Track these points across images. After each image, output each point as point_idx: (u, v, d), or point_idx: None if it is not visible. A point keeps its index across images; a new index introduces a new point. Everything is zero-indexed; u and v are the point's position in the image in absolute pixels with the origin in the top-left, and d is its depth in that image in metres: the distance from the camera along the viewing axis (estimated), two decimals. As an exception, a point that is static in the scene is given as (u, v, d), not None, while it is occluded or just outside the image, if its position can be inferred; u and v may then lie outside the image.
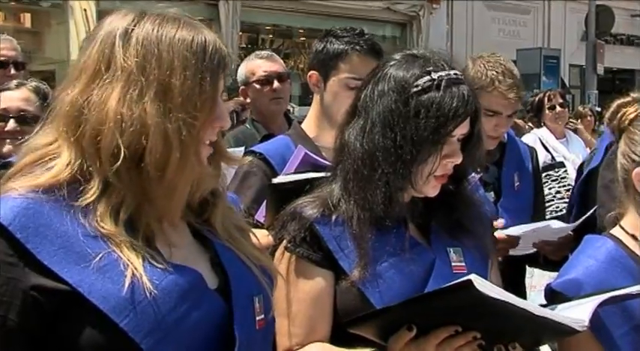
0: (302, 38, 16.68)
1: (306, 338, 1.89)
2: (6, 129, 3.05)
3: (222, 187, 1.63)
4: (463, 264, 1.96)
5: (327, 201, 1.93)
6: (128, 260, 1.37)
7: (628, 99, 2.10)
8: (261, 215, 2.44)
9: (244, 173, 2.66)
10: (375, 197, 1.89)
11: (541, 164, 4.08)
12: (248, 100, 4.50)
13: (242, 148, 2.97)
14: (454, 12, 18.97)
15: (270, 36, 17.01)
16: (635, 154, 1.98)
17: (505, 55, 3.24)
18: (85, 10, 12.51)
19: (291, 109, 7.02)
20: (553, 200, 5.46)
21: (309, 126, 2.81)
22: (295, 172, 2.38)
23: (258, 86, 4.31)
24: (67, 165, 1.42)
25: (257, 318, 1.53)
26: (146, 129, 1.39)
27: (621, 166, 2.02)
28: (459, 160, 1.93)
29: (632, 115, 2.04)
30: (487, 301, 1.57)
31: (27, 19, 13.73)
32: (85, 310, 1.33)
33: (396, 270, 1.89)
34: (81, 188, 1.41)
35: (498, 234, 2.85)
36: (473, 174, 2.15)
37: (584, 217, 2.81)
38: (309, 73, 2.79)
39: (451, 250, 1.97)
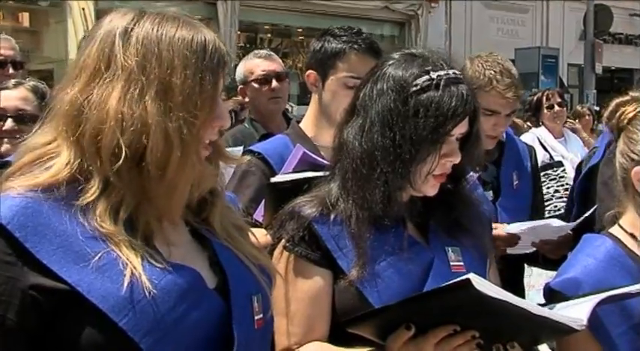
0: (300, 37, 16.68)
1: (305, 337, 1.89)
2: (4, 128, 3.05)
3: (221, 187, 1.63)
4: (461, 263, 1.96)
5: (326, 200, 1.93)
6: (127, 259, 1.36)
7: (626, 98, 2.10)
8: (259, 214, 2.44)
9: (243, 172, 2.66)
10: (374, 196, 1.89)
11: (539, 163, 4.08)
12: (246, 100, 4.50)
13: (240, 148, 2.97)
14: (452, 11, 18.95)
15: (269, 35, 17.00)
16: (634, 153, 1.98)
17: (503, 54, 3.24)
18: (83, 9, 12.50)
19: (290, 109, 7.02)
20: (551, 199, 5.46)
21: (307, 125, 2.81)
22: (294, 172, 2.37)
23: (256, 85, 4.31)
24: (67, 164, 1.42)
25: (255, 317, 1.53)
26: (147, 128, 1.39)
27: (620, 166, 2.02)
28: (457, 159, 1.93)
29: (630, 114, 2.04)
30: (485, 300, 1.57)
31: (25, 18, 13.72)
32: (84, 309, 1.33)
33: (395, 269, 1.89)
34: (80, 187, 1.41)
35: (498, 231, 2.86)
36: (471, 173, 2.15)
37: (583, 217, 2.81)
38: (307, 73, 2.79)
39: (449, 249, 1.98)
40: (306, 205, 1.93)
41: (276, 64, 4.41)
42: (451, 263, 1.95)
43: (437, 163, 1.90)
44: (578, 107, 10.13)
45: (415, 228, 2.00)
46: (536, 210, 3.28)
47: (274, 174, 2.51)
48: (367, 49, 2.70)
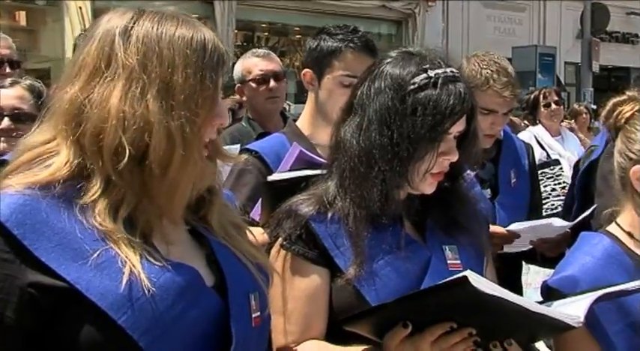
0: (298, 36, 16.68)
1: (302, 336, 1.89)
2: (0, 127, 3.04)
3: (219, 185, 1.64)
4: (459, 261, 1.96)
5: (323, 198, 1.94)
6: (126, 257, 1.36)
7: (624, 97, 2.10)
8: (256, 213, 2.44)
9: (239, 171, 2.66)
10: (372, 195, 1.89)
11: (536, 162, 4.08)
12: (244, 99, 4.49)
13: (238, 146, 2.96)
14: (450, 10, 18.96)
15: (266, 34, 17.00)
16: (632, 153, 1.98)
17: (501, 52, 3.25)
18: (80, 8, 12.50)
19: (287, 107, 7.02)
20: (548, 198, 5.45)
21: (303, 124, 2.81)
22: (290, 170, 2.37)
23: (254, 85, 4.30)
24: (66, 163, 1.42)
25: (253, 315, 1.53)
26: (149, 126, 1.39)
27: (618, 165, 2.02)
28: (455, 157, 1.93)
29: (628, 114, 2.04)
30: (482, 297, 1.58)
31: (22, 17, 13.70)
32: (82, 307, 1.33)
33: (392, 268, 1.89)
34: (79, 186, 1.41)
35: (498, 229, 2.86)
36: (468, 171, 2.15)
37: (583, 216, 2.82)
38: (304, 71, 2.78)
39: (446, 247, 1.98)
40: (303, 204, 1.93)
41: (274, 64, 4.40)
42: (448, 261, 1.95)
43: (435, 162, 1.90)
44: (575, 105, 10.14)
45: (412, 226, 2.00)
46: (534, 208, 3.28)
47: (271, 172, 2.51)
48: (363, 48, 2.70)
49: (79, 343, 1.34)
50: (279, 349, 1.88)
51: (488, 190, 3.13)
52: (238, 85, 4.41)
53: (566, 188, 4.24)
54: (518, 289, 3.24)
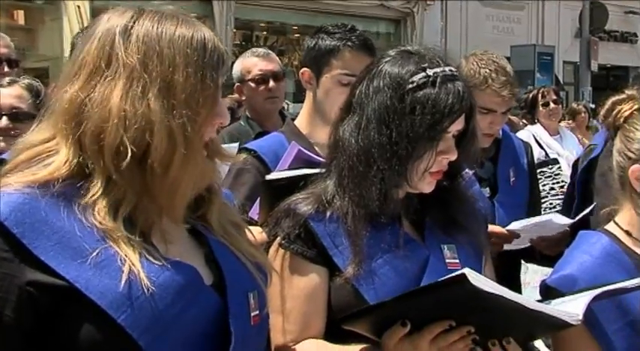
0: (296, 35, 16.69)
1: (301, 335, 1.89)
2: None
3: (218, 184, 1.64)
4: (457, 260, 1.96)
5: (322, 197, 1.93)
6: (125, 256, 1.36)
7: (623, 96, 2.10)
8: (254, 212, 2.44)
9: (238, 170, 2.66)
10: (370, 194, 1.88)
11: (535, 161, 4.08)
12: (243, 98, 4.49)
13: (236, 144, 2.96)
14: (448, 9, 18.98)
15: (265, 33, 17.01)
16: (631, 152, 1.98)
17: (499, 51, 3.25)
18: (78, 7, 12.51)
19: (286, 107, 7.02)
20: (547, 197, 5.46)
21: (302, 122, 2.81)
22: (289, 169, 2.37)
23: (253, 85, 4.30)
24: (66, 162, 1.42)
25: (252, 314, 1.53)
26: (151, 126, 1.39)
27: (617, 164, 2.02)
28: (454, 156, 1.93)
29: (627, 113, 2.04)
30: (481, 295, 1.58)
31: (20, 16, 13.71)
32: (82, 305, 1.33)
33: (391, 267, 1.89)
34: (79, 185, 1.41)
35: (498, 229, 2.86)
36: (467, 170, 2.15)
37: (583, 214, 2.82)
38: (302, 71, 2.78)
39: (445, 246, 1.98)
40: (302, 203, 1.93)
41: (274, 64, 4.39)
42: (447, 260, 1.95)
43: (433, 160, 1.90)
44: (574, 105, 10.14)
45: (411, 225, 2.00)
46: (533, 206, 3.28)
47: (269, 171, 2.51)
48: (361, 46, 2.70)
49: (78, 342, 1.34)
50: (277, 348, 1.89)
51: (488, 189, 3.13)
52: (237, 84, 4.41)
53: (565, 187, 4.24)
54: (517, 288, 3.23)
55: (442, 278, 1.64)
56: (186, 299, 1.40)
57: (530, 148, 3.44)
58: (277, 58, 4.54)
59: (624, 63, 22.54)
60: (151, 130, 1.39)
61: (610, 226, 2.04)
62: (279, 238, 1.92)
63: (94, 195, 1.40)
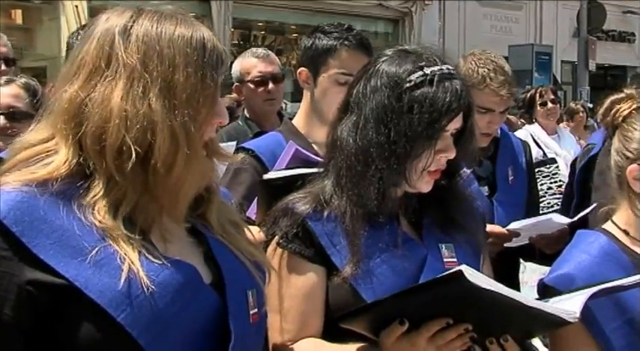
0: (294, 34, 16.67)
1: (299, 334, 1.89)
2: None
3: (216, 183, 1.64)
4: (455, 259, 1.96)
5: (320, 197, 1.93)
6: (125, 254, 1.36)
7: (621, 95, 2.10)
8: (252, 212, 2.43)
9: (235, 170, 2.66)
10: (368, 193, 1.88)
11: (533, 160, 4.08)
12: (242, 98, 4.48)
13: (234, 143, 2.96)
14: (446, 8, 18.98)
15: (263, 32, 17.00)
16: (629, 151, 1.98)
17: (497, 51, 3.25)
18: (76, 6, 12.50)
19: (284, 106, 7.01)
20: (545, 196, 5.46)
21: (299, 122, 2.81)
22: (286, 168, 2.37)
23: (252, 86, 4.29)
24: (65, 162, 1.42)
25: (251, 312, 1.53)
26: (152, 126, 1.39)
27: (615, 163, 2.02)
28: (452, 154, 1.93)
29: (625, 112, 2.04)
30: (478, 292, 1.58)
31: (18, 16, 13.71)
32: (81, 304, 1.33)
33: (388, 266, 1.89)
34: (79, 184, 1.41)
35: (498, 229, 2.86)
36: (465, 169, 2.15)
37: (583, 213, 2.82)
38: (299, 70, 2.78)
39: (443, 245, 1.98)
40: (300, 202, 1.93)
41: (273, 66, 4.38)
42: (444, 260, 1.95)
43: (432, 159, 1.90)
44: (572, 104, 10.13)
45: (409, 224, 2.00)
46: (532, 205, 3.28)
47: (267, 171, 2.51)
48: (358, 46, 2.69)
49: (77, 341, 1.34)
50: (275, 347, 1.89)
51: (486, 188, 3.13)
52: (236, 84, 4.40)
53: (563, 187, 4.25)
54: (515, 287, 3.22)
55: (439, 275, 1.64)
56: (186, 298, 1.41)
57: (529, 146, 3.44)
58: (277, 60, 4.52)
59: (622, 63, 22.56)
60: (153, 130, 1.39)
61: (608, 226, 2.04)
62: (277, 238, 1.92)
63: (95, 195, 1.40)
